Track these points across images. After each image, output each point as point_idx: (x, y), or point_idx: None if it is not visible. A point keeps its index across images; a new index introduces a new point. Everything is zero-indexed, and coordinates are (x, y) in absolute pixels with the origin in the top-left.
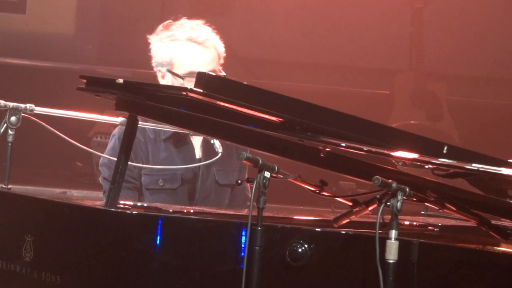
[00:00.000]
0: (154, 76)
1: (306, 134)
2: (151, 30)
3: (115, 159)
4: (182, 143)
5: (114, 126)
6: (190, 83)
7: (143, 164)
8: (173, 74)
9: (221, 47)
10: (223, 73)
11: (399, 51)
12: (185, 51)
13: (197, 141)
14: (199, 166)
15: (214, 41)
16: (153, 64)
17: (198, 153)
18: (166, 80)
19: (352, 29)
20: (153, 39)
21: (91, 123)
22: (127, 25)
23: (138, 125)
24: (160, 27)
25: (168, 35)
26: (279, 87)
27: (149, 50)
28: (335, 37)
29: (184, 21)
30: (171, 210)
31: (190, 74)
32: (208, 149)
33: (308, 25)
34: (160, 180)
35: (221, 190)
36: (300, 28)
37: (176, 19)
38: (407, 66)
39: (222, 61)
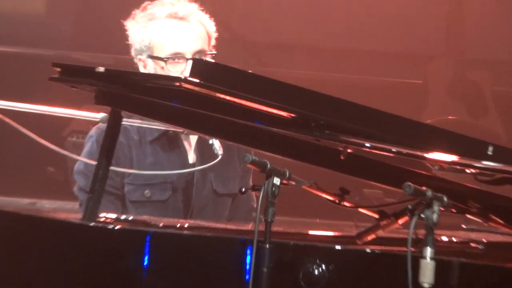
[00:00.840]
0: (137, 68)
1: (323, 132)
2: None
3: (94, 163)
4: (172, 146)
5: (93, 123)
6: (174, 67)
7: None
8: (153, 58)
9: (210, 24)
10: (213, 53)
11: (433, 34)
12: (165, 30)
13: (189, 143)
14: (193, 173)
15: (200, 16)
16: (132, 54)
17: (191, 158)
18: (148, 69)
19: (377, 8)
20: (129, 24)
21: (66, 120)
22: (108, 3)
23: (122, 123)
24: (137, 11)
25: (145, 15)
26: (291, 76)
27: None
28: (357, 17)
29: None
30: (161, 225)
31: (173, 56)
32: (203, 152)
33: (325, 2)
34: (146, 191)
35: (220, 200)
36: (316, 7)
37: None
38: (444, 51)
39: (213, 41)
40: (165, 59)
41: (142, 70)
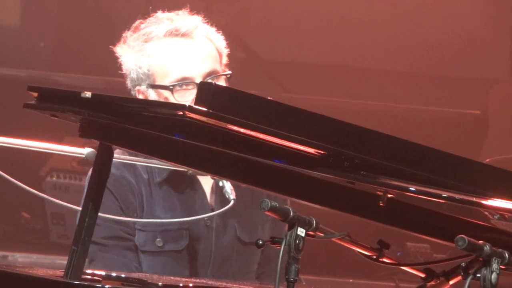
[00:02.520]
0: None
1: (359, 173)
2: (131, 24)
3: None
4: (186, 185)
5: (78, 160)
6: (182, 96)
7: (137, 215)
8: (156, 87)
9: (219, 39)
10: (227, 73)
11: (495, 56)
12: (166, 51)
13: (208, 183)
14: (212, 218)
15: (206, 30)
16: (129, 85)
17: (210, 200)
18: None
19: (424, 26)
20: (120, 50)
21: (44, 156)
22: (95, 17)
23: (115, 159)
24: (128, 32)
25: (139, 36)
26: (318, 104)
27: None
28: (399, 36)
29: (159, 14)
30: (160, 284)
31: (180, 82)
32: (223, 193)
33: (362, 17)
34: (158, 239)
35: (246, 250)
36: (351, 22)
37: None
38: (508, 76)
39: (225, 59)
40: (171, 87)
41: None
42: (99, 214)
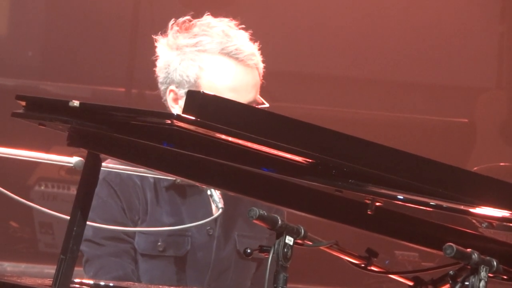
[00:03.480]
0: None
1: (347, 181)
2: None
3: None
4: (192, 191)
5: (66, 169)
6: None
7: (139, 218)
8: None
9: (261, 67)
10: (266, 105)
11: (483, 62)
12: (219, 70)
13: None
14: (214, 227)
15: (258, 59)
16: (160, 79)
17: (215, 208)
18: (180, 105)
19: (414, 32)
20: (165, 43)
21: (32, 165)
22: (83, 26)
23: (103, 168)
24: (173, 27)
25: (193, 43)
26: (306, 113)
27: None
28: (388, 44)
29: (210, 19)
30: None
31: None
32: (229, 202)
33: (348, 27)
34: (159, 243)
35: (243, 264)
36: (338, 31)
37: (195, 15)
38: (495, 84)
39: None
40: None
41: (170, 103)
42: (101, 214)
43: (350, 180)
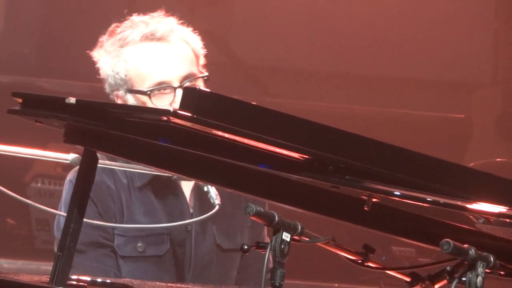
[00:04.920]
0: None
1: (344, 177)
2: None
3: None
4: (167, 190)
5: (63, 166)
6: (160, 100)
7: (116, 221)
8: (134, 92)
9: (195, 40)
10: (205, 75)
11: (478, 58)
12: (142, 56)
13: (187, 187)
14: (192, 223)
15: (182, 33)
16: (106, 90)
17: (190, 204)
18: None
19: (410, 28)
20: (97, 54)
21: (28, 162)
22: (79, 23)
23: (99, 165)
24: (104, 36)
25: (116, 41)
26: (302, 109)
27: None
28: (384, 39)
29: (134, 17)
30: None
31: (157, 86)
32: (202, 198)
33: (345, 21)
34: (139, 244)
35: (226, 257)
36: (335, 26)
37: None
38: (491, 79)
39: (203, 60)
40: (148, 91)
41: None
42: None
43: (346, 176)
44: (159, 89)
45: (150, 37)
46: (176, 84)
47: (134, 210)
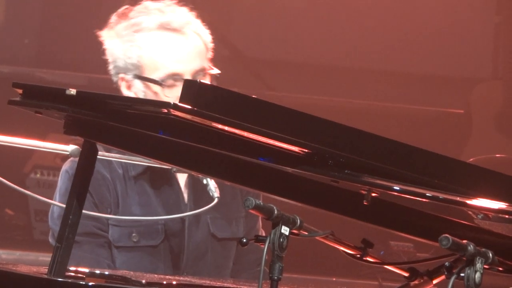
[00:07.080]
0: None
1: (343, 171)
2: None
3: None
4: (162, 180)
5: (62, 157)
6: (171, 92)
7: (111, 211)
8: (146, 80)
9: (206, 35)
10: (215, 71)
11: (478, 52)
12: (157, 45)
13: (182, 177)
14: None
15: (196, 26)
16: (111, 71)
17: (185, 195)
18: (134, 91)
19: (410, 22)
20: (106, 35)
21: (28, 153)
22: (80, 13)
23: (98, 156)
24: (113, 17)
25: (129, 25)
26: (303, 103)
27: (104, 51)
28: (385, 34)
29: (147, 3)
30: (144, 282)
31: (171, 77)
32: (197, 189)
33: (347, 15)
34: (133, 234)
35: (221, 247)
36: (335, 20)
37: (134, 3)
38: (491, 74)
39: (210, 54)
40: (161, 81)
41: (124, 91)
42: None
43: (346, 171)
44: (172, 79)
45: (166, 27)
46: (187, 76)
47: (129, 201)
